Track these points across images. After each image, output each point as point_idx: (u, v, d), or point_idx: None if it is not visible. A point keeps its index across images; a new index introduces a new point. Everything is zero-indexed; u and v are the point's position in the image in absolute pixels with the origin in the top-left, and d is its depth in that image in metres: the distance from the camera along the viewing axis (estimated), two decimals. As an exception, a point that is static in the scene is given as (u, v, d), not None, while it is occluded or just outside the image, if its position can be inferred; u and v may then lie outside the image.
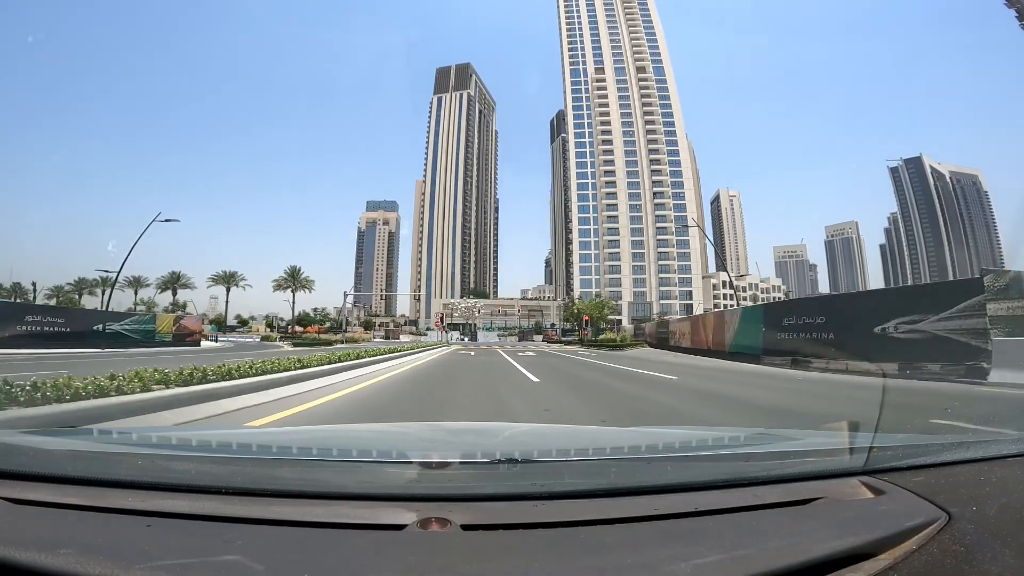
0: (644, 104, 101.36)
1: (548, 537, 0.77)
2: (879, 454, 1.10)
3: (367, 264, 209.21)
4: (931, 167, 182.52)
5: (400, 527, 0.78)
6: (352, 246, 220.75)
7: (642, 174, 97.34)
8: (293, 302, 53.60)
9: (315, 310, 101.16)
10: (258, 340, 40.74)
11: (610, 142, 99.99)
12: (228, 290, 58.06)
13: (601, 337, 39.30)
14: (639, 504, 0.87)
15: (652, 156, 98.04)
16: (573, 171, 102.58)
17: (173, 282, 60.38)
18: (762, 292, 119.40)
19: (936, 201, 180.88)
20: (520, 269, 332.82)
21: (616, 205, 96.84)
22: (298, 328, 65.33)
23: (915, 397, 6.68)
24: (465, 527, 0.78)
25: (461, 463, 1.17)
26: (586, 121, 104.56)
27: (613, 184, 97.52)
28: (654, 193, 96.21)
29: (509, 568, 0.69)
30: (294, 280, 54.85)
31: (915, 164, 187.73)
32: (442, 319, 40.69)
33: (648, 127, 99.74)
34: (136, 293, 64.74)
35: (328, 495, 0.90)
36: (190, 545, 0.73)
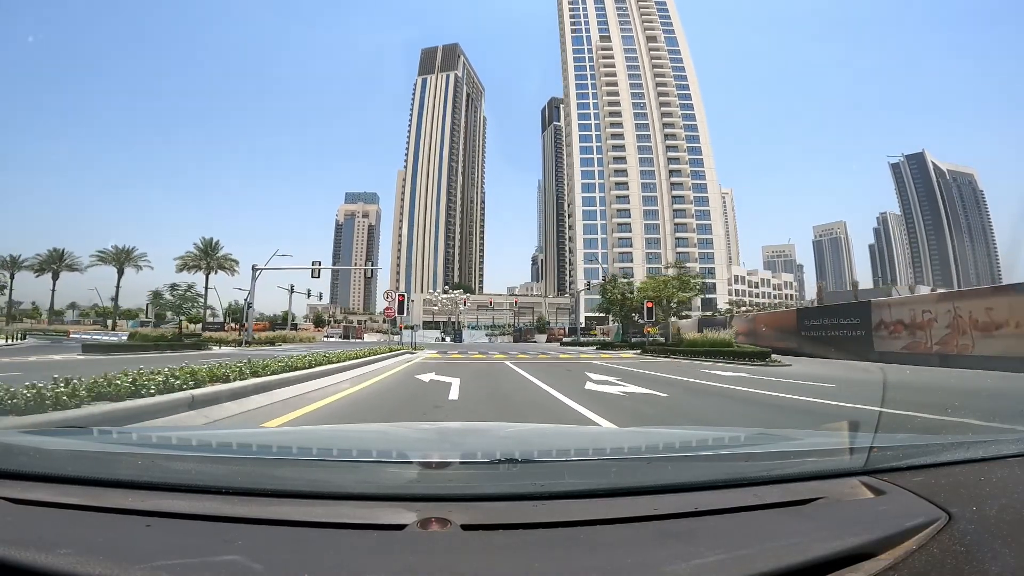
0: (656, 75, 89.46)
1: (548, 537, 0.76)
2: (879, 454, 1.09)
3: (344, 258, 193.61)
4: (933, 163, 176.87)
5: (400, 527, 0.77)
6: (329, 240, 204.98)
7: (656, 150, 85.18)
8: (206, 288, 38.62)
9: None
10: (125, 338, 26.09)
11: (618, 114, 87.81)
12: (120, 272, 42.94)
13: (690, 337, 20.97)
14: (639, 504, 0.86)
15: (667, 131, 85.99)
16: (576, 147, 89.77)
17: (55, 261, 44.78)
18: (774, 288, 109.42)
19: (939, 197, 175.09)
20: (506, 267, 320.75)
21: (627, 184, 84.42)
22: (232, 324, 50.45)
23: None
24: (465, 527, 0.77)
25: (461, 463, 1.16)
26: (590, 91, 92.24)
27: (623, 159, 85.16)
28: (671, 172, 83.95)
29: (509, 568, 0.69)
30: (207, 257, 39.22)
31: (917, 160, 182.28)
32: (400, 304, 21.14)
33: (662, 99, 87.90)
34: (12, 276, 48.86)
35: (328, 495, 0.89)
36: (190, 545, 0.72)
